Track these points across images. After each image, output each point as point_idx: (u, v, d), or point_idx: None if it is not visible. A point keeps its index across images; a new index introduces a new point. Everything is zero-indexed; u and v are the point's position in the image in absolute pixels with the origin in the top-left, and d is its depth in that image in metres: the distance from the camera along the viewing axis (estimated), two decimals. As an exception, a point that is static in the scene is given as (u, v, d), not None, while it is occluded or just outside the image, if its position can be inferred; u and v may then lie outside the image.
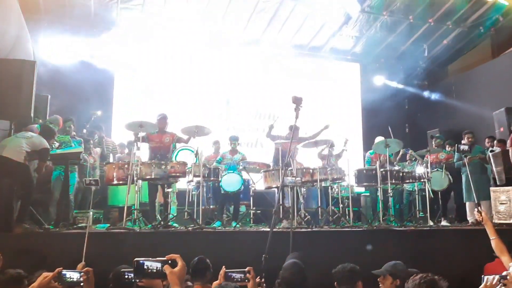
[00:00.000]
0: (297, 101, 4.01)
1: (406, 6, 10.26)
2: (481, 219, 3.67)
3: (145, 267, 1.90)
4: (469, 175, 6.77)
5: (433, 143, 8.41)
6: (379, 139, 7.77)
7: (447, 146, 8.19)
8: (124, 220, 5.63)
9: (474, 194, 6.74)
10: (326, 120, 8.33)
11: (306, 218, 6.59)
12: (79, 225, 6.14)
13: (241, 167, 7.54)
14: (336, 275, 3.27)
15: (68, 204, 6.14)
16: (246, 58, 11.03)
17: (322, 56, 11.71)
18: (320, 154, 8.12)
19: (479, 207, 3.77)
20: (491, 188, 7.11)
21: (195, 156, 6.50)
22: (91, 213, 6.57)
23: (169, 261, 1.91)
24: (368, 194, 8.77)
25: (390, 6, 10.26)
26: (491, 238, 3.57)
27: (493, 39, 10.91)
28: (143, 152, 6.84)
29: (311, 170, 6.78)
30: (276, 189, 6.86)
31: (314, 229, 6.00)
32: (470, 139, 7.90)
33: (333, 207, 7.04)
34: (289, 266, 3.41)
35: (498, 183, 7.27)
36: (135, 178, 5.84)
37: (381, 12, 10.38)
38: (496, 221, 6.76)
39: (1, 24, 6.06)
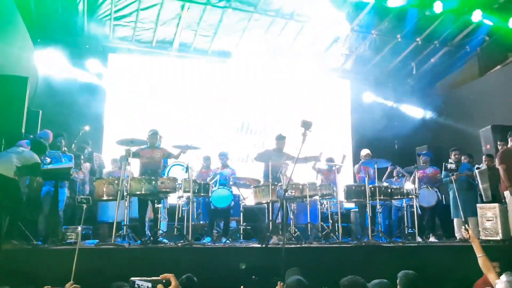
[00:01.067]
0: (306, 125, 3.94)
1: (394, 25, 10.51)
2: (468, 237, 3.73)
3: (136, 286, 1.92)
4: (456, 192, 6.88)
5: (421, 160, 8.52)
6: (365, 151, 7.97)
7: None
8: (113, 236, 5.62)
9: (461, 211, 6.83)
10: (317, 138, 8.41)
11: (296, 234, 6.63)
12: (68, 241, 6.10)
13: (231, 183, 7.58)
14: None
15: (57, 220, 6.12)
16: (237, 74, 11.14)
17: (313, 72, 11.86)
18: (315, 168, 8.16)
19: (466, 225, 3.83)
20: (478, 205, 7.21)
21: (186, 172, 6.53)
22: (79, 228, 6.55)
23: (163, 281, 1.93)
24: (357, 209, 8.83)
25: (379, 25, 10.49)
26: (478, 256, 3.63)
27: (480, 58, 11.16)
28: (134, 168, 6.87)
29: (300, 186, 6.83)
30: (266, 205, 6.91)
31: (303, 245, 6.03)
32: (456, 156, 8.05)
33: (322, 223, 7.08)
34: (294, 284, 3.41)
35: (484, 200, 7.37)
36: (125, 194, 5.84)
37: (370, 31, 10.61)
38: (483, 237, 6.85)
39: (5, 43, 6.11)
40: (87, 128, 8.08)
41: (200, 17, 9.79)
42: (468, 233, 3.74)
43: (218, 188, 7.16)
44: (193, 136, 10.44)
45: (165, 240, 6.25)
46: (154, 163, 6.74)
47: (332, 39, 10.94)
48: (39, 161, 5.71)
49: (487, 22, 9.46)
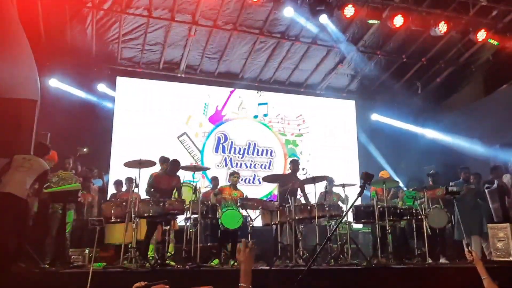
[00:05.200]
0: (368, 178, 4.08)
1: (400, 46, 10.60)
2: (471, 259, 3.67)
3: None
4: (458, 214, 6.86)
5: (430, 180, 8.45)
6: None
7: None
8: (121, 258, 5.58)
9: (462, 231, 6.75)
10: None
11: (305, 256, 6.55)
12: (75, 264, 6.06)
13: (239, 204, 7.54)
14: None
15: (64, 243, 6.09)
16: (245, 96, 11.24)
17: (318, 93, 11.94)
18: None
19: (469, 247, 3.77)
20: (489, 225, 7.11)
21: (193, 193, 6.51)
22: (87, 251, 6.52)
23: None
24: (367, 230, 8.75)
25: (384, 46, 10.59)
26: (482, 278, 3.56)
27: (485, 77, 11.17)
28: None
29: (308, 207, 6.78)
30: (273, 226, 6.86)
31: (312, 267, 5.95)
32: (466, 175, 7.96)
33: (331, 244, 7.00)
34: None
35: (495, 220, 7.28)
36: (133, 216, 5.82)
37: (375, 51, 10.70)
38: (494, 258, 6.74)
39: (10, 65, 6.19)
40: (85, 149, 8.09)
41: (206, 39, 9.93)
42: (472, 255, 3.67)
43: (228, 210, 7.11)
44: (198, 157, 10.55)
45: (172, 263, 6.19)
46: (170, 190, 6.77)
47: (337, 59, 11.03)
48: (48, 168, 5.69)
49: (492, 41, 9.49)
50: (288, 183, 7.04)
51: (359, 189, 4.00)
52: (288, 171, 7.53)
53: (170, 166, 6.77)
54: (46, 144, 6.21)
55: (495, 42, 9.52)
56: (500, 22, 9.48)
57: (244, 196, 7.64)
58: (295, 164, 7.70)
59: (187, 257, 6.14)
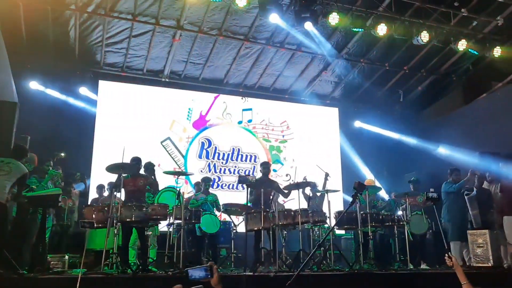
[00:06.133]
0: (360, 188, 4.16)
1: (383, 54, 10.75)
2: (451, 265, 3.72)
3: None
4: (439, 221, 7.01)
5: (411, 187, 8.55)
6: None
7: None
8: (102, 264, 5.49)
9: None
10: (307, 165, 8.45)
11: (288, 262, 6.55)
12: (55, 270, 5.94)
13: (222, 209, 7.52)
14: None
15: (44, 248, 5.96)
16: (229, 101, 11.24)
17: (302, 100, 12.01)
18: (305, 194, 8.17)
19: (449, 253, 3.82)
20: (468, 231, 7.22)
21: (177, 198, 6.46)
22: (67, 256, 6.41)
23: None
24: (350, 236, 8.80)
25: (368, 54, 10.72)
26: (462, 283, 3.61)
27: (465, 86, 11.39)
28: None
29: (292, 213, 6.78)
30: (257, 232, 6.83)
31: (295, 273, 5.94)
32: (458, 177, 7.94)
33: (316, 250, 7.00)
34: None
35: (474, 226, 7.39)
36: (114, 221, 5.74)
37: (359, 59, 10.83)
38: (474, 264, 6.84)
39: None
40: (62, 154, 7.95)
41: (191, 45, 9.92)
42: (452, 260, 3.72)
43: (206, 214, 7.07)
44: (181, 162, 10.49)
45: (154, 269, 6.12)
46: (138, 191, 6.48)
47: (321, 67, 11.13)
48: (27, 171, 5.58)
49: (472, 51, 9.70)
50: (260, 187, 6.91)
51: (353, 200, 4.07)
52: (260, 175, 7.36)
53: (130, 166, 6.48)
54: (25, 147, 6.09)
55: (475, 52, 9.73)
56: (480, 33, 9.71)
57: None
58: (265, 167, 7.42)
59: (169, 263, 6.07)
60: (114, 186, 6.21)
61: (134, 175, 6.48)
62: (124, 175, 6.25)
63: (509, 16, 9.35)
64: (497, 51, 9.56)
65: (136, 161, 6.61)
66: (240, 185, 10.51)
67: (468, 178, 7.45)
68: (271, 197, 7.06)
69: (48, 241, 6.41)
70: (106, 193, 8.13)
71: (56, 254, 6.75)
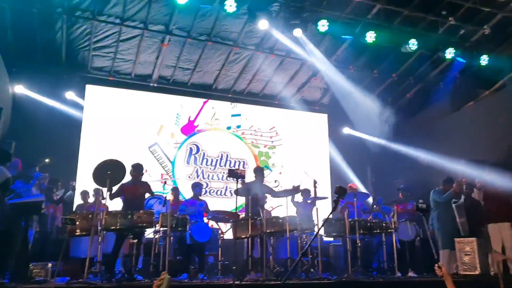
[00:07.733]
0: (341, 192, 4.12)
1: (371, 61, 10.79)
2: (441, 274, 3.70)
3: None
4: (428, 231, 7.02)
5: (401, 194, 8.55)
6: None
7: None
8: (85, 273, 5.38)
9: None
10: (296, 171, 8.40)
11: (275, 270, 6.48)
12: (37, 279, 5.80)
13: (209, 217, 7.43)
14: None
15: (27, 256, 5.83)
16: (218, 107, 11.19)
17: (291, 106, 11.99)
18: (294, 202, 8.12)
19: (439, 263, 3.80)
20: (456, 239, 7.21)
21: (163, 206, 6.37)
22: (50, 265, 6.26)
23: None
24: (338, 243, 8.77)
25: (356, 60, 10.75)
26: None
27: (453, 94, 11.47)
28: (118, 203, 6.61)
29: (280, 220, 6.73)
30: (245, 240, 6.77)
31: (283, 282, 5.88)
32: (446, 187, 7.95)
33: (302, 258, 6.95)
34: None
35: (462, 234, 7.39)
36: (99, 229, 5.63)
37: (347, 66, 10.85)
38: (461, 272, 6.84)
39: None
40: (47, 160, 7.82)
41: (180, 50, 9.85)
42: (441, 270, 3.70)
43: (197, 222, 6.99)
44: (169, 168, 10.39)
45: (140, 277, 6.02)
46: (138, 199, 6.48)
47: (310, 73, 11.13)
48: (9, 175, 5.46)
49: (460, 60, 9.79)
50: (261, 192, 6.90)
51: (335, 204, 4.03)
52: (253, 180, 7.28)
53: (131, 173, 6.50)
54: (9, 152, 5.96)
55: (463, 60, 9.81)
56: (467, 41, 9.80)
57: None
58: (259, 173, 7.35)
59: (155, 271, 5.97)
60: (114, 193, 6.12)
61: (135, 182, 6.42)
62: (124, 182, 6.17)
63: (496, 26, 9.46)
64: (484, 60, 9.68)
65: (137, 168, 6.53)
66: (228, 191, 10.53)
67: (454, 189, 7.45)
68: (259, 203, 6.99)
69: (31, 249, 6.26)
70: (91, 199, 7.98)
71: (39, 262, 6.61)
